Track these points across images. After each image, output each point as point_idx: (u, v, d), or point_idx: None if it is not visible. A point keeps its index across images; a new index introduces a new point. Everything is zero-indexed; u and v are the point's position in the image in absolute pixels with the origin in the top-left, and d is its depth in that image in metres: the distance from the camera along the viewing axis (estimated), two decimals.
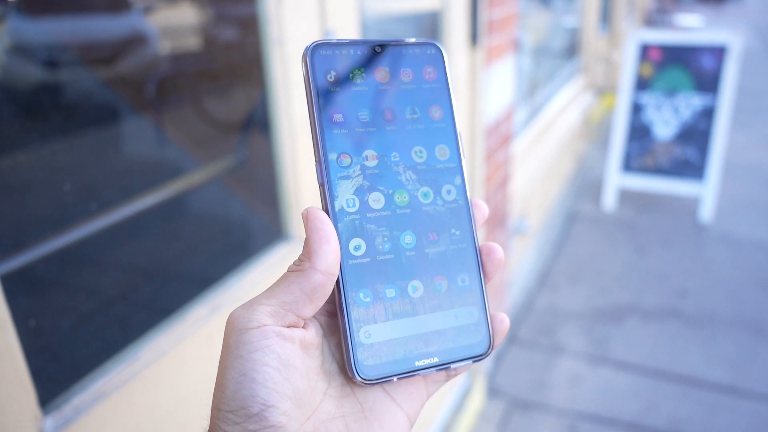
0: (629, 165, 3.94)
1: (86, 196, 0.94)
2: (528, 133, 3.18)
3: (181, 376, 0.96)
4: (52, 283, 0.90)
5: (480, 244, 0.42)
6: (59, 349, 0.87)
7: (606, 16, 5.94)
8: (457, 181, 0.42)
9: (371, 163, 0.40)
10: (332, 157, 0.40)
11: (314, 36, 1.21)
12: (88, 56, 0.97)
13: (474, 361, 0.41)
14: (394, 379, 0.39)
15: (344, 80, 0.41)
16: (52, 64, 0.92)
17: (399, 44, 0.43)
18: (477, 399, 2.20)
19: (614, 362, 2.47)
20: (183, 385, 0.96)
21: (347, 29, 1.32)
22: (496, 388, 2.34)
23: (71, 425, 0.77)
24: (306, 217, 0.38)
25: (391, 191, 0.41)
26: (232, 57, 1.28)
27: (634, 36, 3.84)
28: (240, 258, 1.16)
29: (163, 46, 1.15)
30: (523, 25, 2.98)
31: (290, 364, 0.35)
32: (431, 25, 1.89)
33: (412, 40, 0.43)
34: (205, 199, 1.24)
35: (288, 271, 0.37)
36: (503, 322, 0.42)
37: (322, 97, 0.40)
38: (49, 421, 0.75)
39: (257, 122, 1.25)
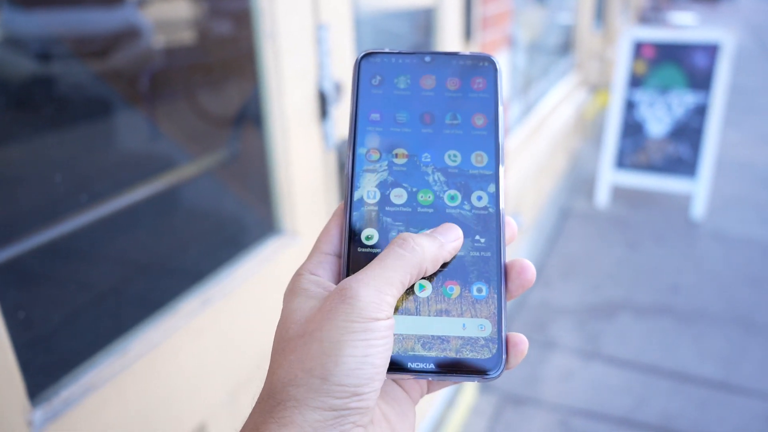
0: (622, 162, 3.95)
1: (77, 189, 0.93)
2: (522, 130, 3.19)
3: (172, 369, 0.96)
4: (43, 275, 0.90)
5: (510, 259, 0.40)
6: (49, 342, 0.87)
7: (600, 13, 5.95)
8: (491, 189, 0.41)
9: (400, 160, 0.41)
10: (361, 151, 0.41)
11: (307, 30, 1.21)
12: (81, 49, 0.97)
13: (479, 380, 0.38)
14: (387, 377, 0.38)
15: (388, 84, 0.43)
16: (44, 56, 0.92)
17: (451, 55, 0.43)
18: (469, 394, 2.21)
19: (606, 358, 2.48)
20: (174, 378, 0.96)
21: (340, 24, 1.31)
22: (489, 383, 2.35)
23: (61, 417, 0.76)
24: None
25: (415, 189, 0.41)
26: (227, 51, 1.28)
27: (628, 33, 3.85)
28: (232, 251, 1.16)
29: (157, 40, 1.14)
30: (518, 22, 2.98)
31: (390, 355, 0.36)
32: (425, 20, 1.89)
33: (467, 52, 0.44)
34: (197, 192, 1.24)
35: (398, 249, 0.37)
36: (522, 343, 0.39)
37: (362, 97, 0.42)
38: (38, 414, 0.75)
39: (250, 116, 1.24)
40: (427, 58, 0.43)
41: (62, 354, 0.87)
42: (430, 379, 0.38)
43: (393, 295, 0.36)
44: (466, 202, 0.41)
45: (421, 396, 0.42)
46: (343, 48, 1.34)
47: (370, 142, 0.42)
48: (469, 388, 2.20)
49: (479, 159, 0.42)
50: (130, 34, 1.07)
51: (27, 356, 0.76)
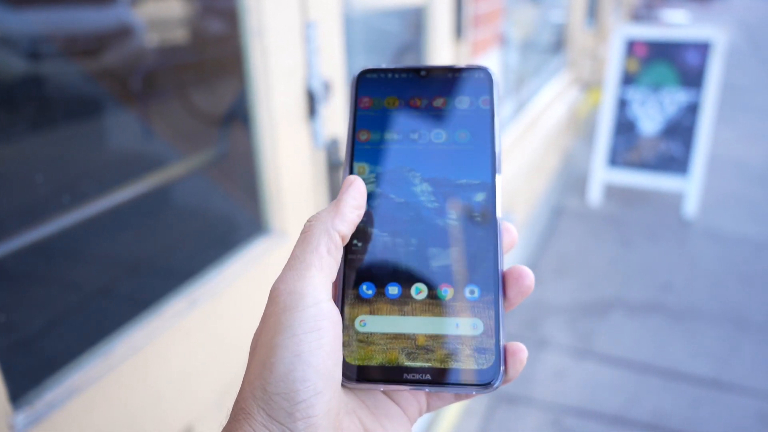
0: (615, 160, 3.95)
1: (64, 189, 0.92)
2: (514, 128, 3.18)
3: (159, 371, 0.95)
4: (27, 276, 0.89)
5: (508, 268, 0.40)
6: (32, 344, 0.86)
7: (593, 11, 5.96)
8: (488, 198, 0.41)
9: (396, 173, 0.42)
10: (358, 169, 0.43)
11: (295, 28, 1.20)
12: (72, 48, 0.96)
13: (477, 392, 0.37)
14: (381, 387, 0.38)
15: (382, 101, 0.44)
16: (35, 55, 0.91)
17: (446, 69, 0.44)
18: None
19: (598, 356, 2.49)
20: (161, 380, 0.95)
21: (329, 22, 1.31)
22: (487, 393, 2.34)
23: (43, 421, 0.75)
24: (349, 183, 0.40)
25: (410, 200, 0.42)
26: (220, 49, 1.27)
27: (620, 31, 3.85)
28: (219, 251, 1.15)
29: (150, 38, 1.13)
30: (509, 19, 2.98)
31: (337, 349, 0.34)
32: (416, 18, 1.88)
33: (462, 65, 0.45)
34: (185, 191, 1.23)
35: (317, 223, 0.37)
36: (521, 351, 0.37)
37: (358, 116, 0.43)
38: (20, 417, 0.74)
39: (238, 114, 1.23)
40: (423, 72, 0.44)
41: (46, 356, 0.86)
42: (426, 390, 0.37)
43: (315, 276, 0.34)
44: (463, 212, 0.41)
45: (420, 414, 0.40)
46: (332, 46, 1.33)
47: (361, 158, 0.42)
48: None
49: (476, 169, 0.42)
50: (122, 32, 1.06)
51: (9, 359, 0.75)
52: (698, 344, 2.55)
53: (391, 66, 0.45)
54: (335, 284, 0.39)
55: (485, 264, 0.40)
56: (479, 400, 2.24)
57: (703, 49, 3.64)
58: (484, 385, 0.37)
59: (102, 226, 1.00)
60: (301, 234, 0.37)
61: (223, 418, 0.34)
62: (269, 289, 0.37)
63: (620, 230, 3.62)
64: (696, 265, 3.20)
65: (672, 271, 3.13)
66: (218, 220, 1.28)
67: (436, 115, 0.43)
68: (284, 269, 0.36)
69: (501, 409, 2.20)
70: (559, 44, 4.76)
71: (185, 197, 1.23)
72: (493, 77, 0.44)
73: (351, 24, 1.54)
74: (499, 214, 0.41)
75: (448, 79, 0.44)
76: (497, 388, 0.37)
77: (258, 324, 0.36)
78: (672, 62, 3.73)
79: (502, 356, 0.38)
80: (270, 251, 1.19)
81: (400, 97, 0.44)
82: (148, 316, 0.96)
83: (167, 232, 1.17)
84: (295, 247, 0.37)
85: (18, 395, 0.76)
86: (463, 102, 0.44)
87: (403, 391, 0.39)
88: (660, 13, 11.18)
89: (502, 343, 0.38)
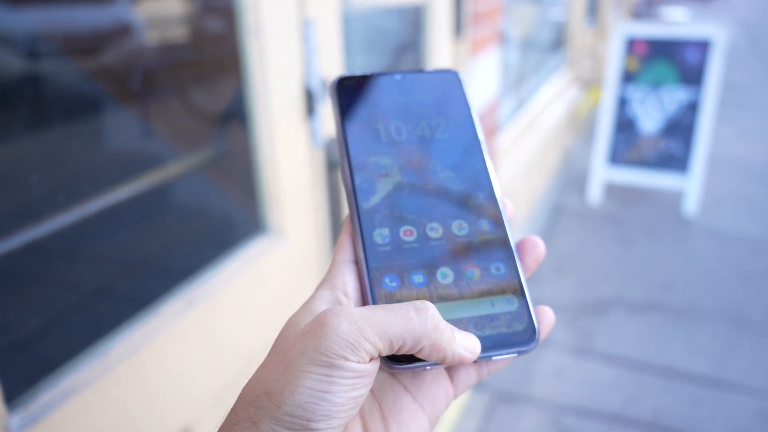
0: (615, 158, 3.95)
1: (62, 188, 0.92)
2: (514, 127, 3.18)
3: (155, 372, 0.94)
4: (23, 276, 0.88)
5: (520, 239, 0.43)
6: (27, 345, 0.85)
7: (593, 8, 5.95)
8: (486, 181, 0.44)
9: (397, 174, 0.44)
10: (359, 178, 0.44)
11: (293, 26, 1.19)
12: (71, 47, 0.95)
13: (519, 354, 0.39)
14: (427, 367, 0.37)
15: (362, 106, 0.46)
16: (34, 54, 0.90)
17: (417, 72, 0.48)
18: None
19: (598, 354, 2.48)
20: (158, 381, 0.95)
21: (327, 20, 1.30)
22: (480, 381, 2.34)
23: (39, 423, 0.75)
24: None
25: (418, 190, 0.43)
26: (218, 48, 1.26)
27: (620, 29, 3.84)
28: (217, 251, 1.14)
29: (149, 37, 1.13)
30: (509, 17, 2.97)
31: (365, 393, 0.33)
32: (415, 16, 1.88)
33: (431, 69, 0.48)
34: (183, 191, 1.22)
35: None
36: (548, 315, 0.41)
37: (345, 120, 0.45)
38: (16, 419, 0.73)
39: (237, 113, 1.23)
40: (397, 77, 0.47)
41: (41, 357, 0.86)
42: (473, 359, 0.37)
43: (374, 343, 0.33)
44: (467, 196, 0.44)
45: (447, 403, 0.40)
46: (331, 45, 1.32)
47: (367, 156, 0.44)
48: None
49: (467, 155, 0.45)
50: (121, 31, 1.06)
51: (4, 359, 0.74)
52: (698, 343, 2.55)
53: (366, 73, 0.47)
54: (362, 285, 0.39)
55: (500, 239, 0.42)
56: (478, 399, 2.23)
57: (703, 47, 3.63)
58: (525, 348, 0.39)
59: (99, 226, 0.99)
60: (412, 308, 0.35)
61: (221, 418, 0.34)
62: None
63: (620, 229, 3.62)
64: (696, 263, 3.19)
65: (672, 270, 3.13)
66: (216, 219, 1.27)
67: (418, 109, 0.46)
68: (360, 308, 0.34)
69: (500, 408, 2.20)
70: (558, 42, 4.75)
71: (183, 197, 1.22)
72: (460, 76, 0.48)
73: (350, 23, 1.53)
74: (498, 194, 0.44)
75: (422, 80, 0.48)
76: (535, 347, 0.39)
77: (293, 320, 0.36)
78: (672, 60, 3.72)
79: (535, 318, 0.40)
80: (268, 251, 1.19)
81: (380, 96, 0.46)
82: (145, 317, 0.96)
83: (164, 231, 1.16)
84: (396, 305, 0.35)
85: (13, 396, 0.75)
86: (440, 96, 0.47)
87: (426, 384, 0.39)
88: (660, 10, 11.16)
89: (533, 307, 0.41)
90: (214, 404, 1.07)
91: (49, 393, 0.79)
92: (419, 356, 0.35)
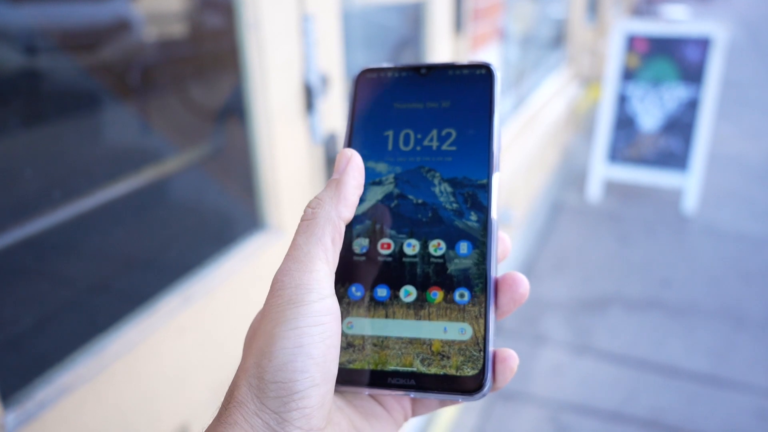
0: (614, 156, 3.94)
1: (59, 183, 0.91)
2: (513, 124, 3.17)
3: (152, 369, 0.93)
4: (18, 272, 0.88)
5: (502, 274, 0.39)
6: (22, 342, 0.85)
7: (593, 6, 5.93)
8: (483, 198, 0.40)
9: (397, 174, 0.42)
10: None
11: (292, 21, 1.18)
12: (70, 42, 0.94)
13: (463, 399, 0.36)
14: (365, 392, 0.38)
15: (381, 100, 0.43)
16: (33, 50, 0.89)
17: (447, 66, 0.43)
18: None
19: (596, 352, 2.48)
20: (154, 378, 0.94)
21: (327, 15, 1.29)
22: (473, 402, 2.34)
23: (34, 420, 0.74)
24: (347, 159, 0.39)
25: (393, 201, 0.41)
26: (217, 43, 1.25)
27: (620, 26, 3.83)
28: (215, 247, 1.14)
29: (148, 32, 1.12)
30: (509, 14, 2.96)
31: (337, 344, 0.34)
32: (415, 12, 1.87)
33: (463, 61, 0.43)
34: (181, 186, 1.21)
35: (314, 218, 0.36)
36: (511, 358, 0.36)
37: (357, 113, 0.43)
38: (11, 417, 0.73)
39: (235, 109, 1.22)
40: (423, 71, 0.44)
41: (36, 354, 0.85)
42: (410, 395, 0.37)
43: (321, 270, 0.34)
44: (456, 212, 0.40)
45: (405, 419, 0.40)
46: (330, 40, 1.31)
47: (368, 157, 0.42)
48: None
49: (472, 168, 0.41)
50: (120, 26, 1.05)
51: None
52: (696, 340, 2.55)
53: (392, 65, 0.44)
54: None
55: (477, 267, 0.38)
56: None
57: (703, 44, 3.62)
58: (470, 392, 0.36)
59: (96, 222, 0.98)
60: (302, 221, 0.36)
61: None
62: (267, 284, 0.36)
63: (619, 226, 3.61)
64: (695, 261, 3.19)
65: (670, 268, 3.12)
66: (214, 215, 1.26)
67: (434, 114, 0.43)
68: (287, 259, 0.35)
69: (499, 405, 2.20)
70: (559, 39, 4.74)
71: (181, 192, 1.22)
72: (495, 73, 0.42)
73: (350, 18, 1.52)
74: (494, 215, 0.39)
75: (449, 76, 0.43)
76: (484, 396, 0.36)
77: (256, 315, 0.36)
78: (672, 58, 3.71)
79: (490, 363, 0.36)
80: (266, 247, 1.18)
81: (399, 95, 0.43)
82: (141, 313, 0.95)
83: (162, 227, 1.15)
84: (297, 235, 0.36)
85: (8, 394, 0.75)
86: (462, 100, 0.42)
87: (387, 396, 0.39)
88: (660, 8, 11.14)
89: (490, 349, 0.36)
90: (212, 401, 1.06)
91: (45, 390, 0.78)
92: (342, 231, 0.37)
